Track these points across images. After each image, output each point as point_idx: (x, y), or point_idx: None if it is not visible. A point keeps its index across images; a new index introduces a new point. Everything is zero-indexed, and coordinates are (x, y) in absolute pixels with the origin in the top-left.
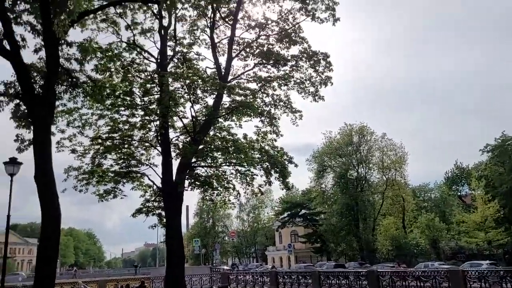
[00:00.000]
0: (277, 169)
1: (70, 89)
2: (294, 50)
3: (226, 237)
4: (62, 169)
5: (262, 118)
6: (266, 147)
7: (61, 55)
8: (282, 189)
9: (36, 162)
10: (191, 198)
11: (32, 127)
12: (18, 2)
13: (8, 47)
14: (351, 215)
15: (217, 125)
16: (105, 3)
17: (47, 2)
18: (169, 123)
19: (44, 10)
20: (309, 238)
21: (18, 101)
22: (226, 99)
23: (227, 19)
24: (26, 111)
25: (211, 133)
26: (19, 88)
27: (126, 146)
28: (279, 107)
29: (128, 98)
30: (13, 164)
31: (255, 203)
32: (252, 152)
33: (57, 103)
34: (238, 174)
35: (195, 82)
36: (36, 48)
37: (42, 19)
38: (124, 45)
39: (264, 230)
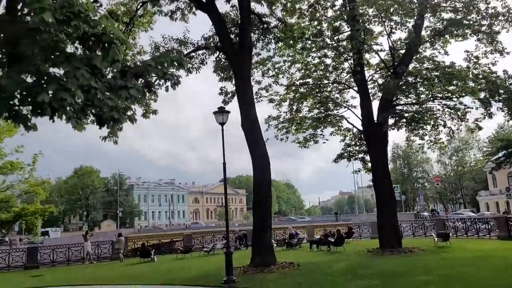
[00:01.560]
0: (501, 97)
1: (262, 37)
2: None
3: (425, 183)
4: (262, 120)
5: (480, 36)
6: (481, 76)
7: None
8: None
9: (241, 111)
10: None
11: (233, 78)
12: None
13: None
14: None
15: (417, 56)
16: None
17: None
18: (364, 61)
19: None
20: None
21: (218, 53)
22: (428, 24)
23: None
24: (226, 63)
25: (411, 66)
26: (218, 41)
27: (320, 90)
28: (498, 21)
29: (318, 40)
30: (222, 113)
31: (458, 145)
32: (464, 81)
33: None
34: (447, 109)
35: (391, 7)
36: None
37: None
38: None
39: (471, 173)
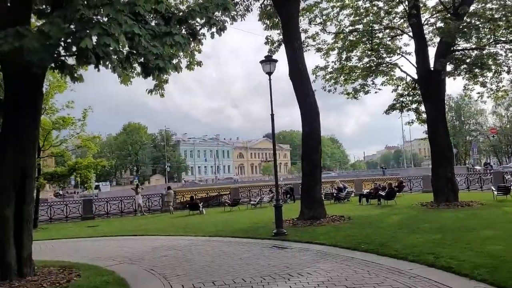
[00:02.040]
0: None
1: None
2: None
3: (479, 135)
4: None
5: None
6: None
7: None
8: None
9: (289, 60)
10: None
11: (280, 26)
12: None
13: None
14: None
15: None
16: None
17: None
18: (420, 3)
19: None
20: None
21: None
22: None
23: None
24: (273, 9)
25: (471, 8)
26: None
27: (371, 37)
28: None
29: None
30: (269, 62)
31: None
32: None
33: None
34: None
35: None
36: None
37: None
38: None
39: None
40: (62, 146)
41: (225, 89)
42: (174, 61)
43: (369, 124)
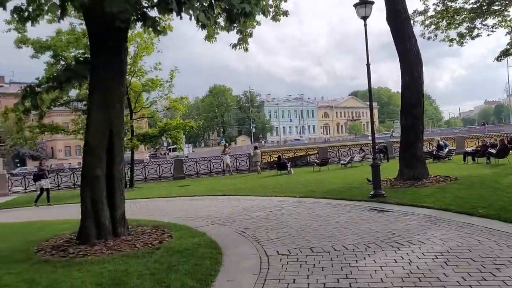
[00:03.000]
0: None
1: None
2: None
3: None
4: None
5: None
6: None
7: None
8: None
9: (387, 1)
10: None
11: None
12: None
13: None
14: None
15: None
16: None
17: None
18: None
19: None
20: None
21: None
22: None
23: None
24: None
25: None
26: None
27: None
28: None
29: None
30: (364, 4)
31: None
32: None
33: None
34: None
35: None
36: None
37: None
38: None
39: None
40: (152, 108)
41: (308, 48)
42: (262, 3)
43: (466, 77)
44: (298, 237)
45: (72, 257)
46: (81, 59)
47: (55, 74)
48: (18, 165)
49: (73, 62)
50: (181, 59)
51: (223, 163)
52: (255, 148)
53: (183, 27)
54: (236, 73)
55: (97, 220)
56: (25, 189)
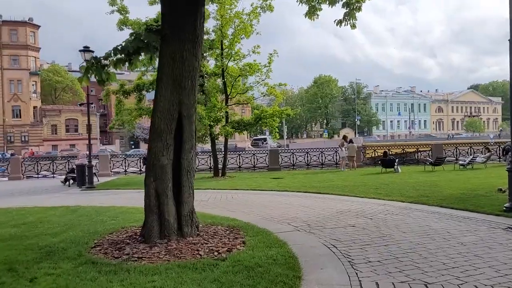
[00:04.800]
0: None
1: None
2: None
3: None
4: None
5: None
6: None
7: None
8: None
9: None
10: None
11: None
12: None
13: None
14: None
15: None
16: None
17: None
18: None
19: None
20: None
21: None
22: None
23: None
24: None
25: None
26: None
27: None
28: None
29: None
30: None
31: None
32: None
33: None
34: None
35: None
36: None
37: None
38: None
39: None
40: (248, 93)
41: (421, 38)
42: None
43: None
44: (406, 262)
45: (125, 259)
46: (153, 27)
47: (122, 44)
48: (133, 147)
49: (143, 31)
50: (288, 52)
51: (338, 156)
52: (351, 141)
53: (289, 19)
54: (343, 64)
55: (160, 216)
56: (125, 170)
